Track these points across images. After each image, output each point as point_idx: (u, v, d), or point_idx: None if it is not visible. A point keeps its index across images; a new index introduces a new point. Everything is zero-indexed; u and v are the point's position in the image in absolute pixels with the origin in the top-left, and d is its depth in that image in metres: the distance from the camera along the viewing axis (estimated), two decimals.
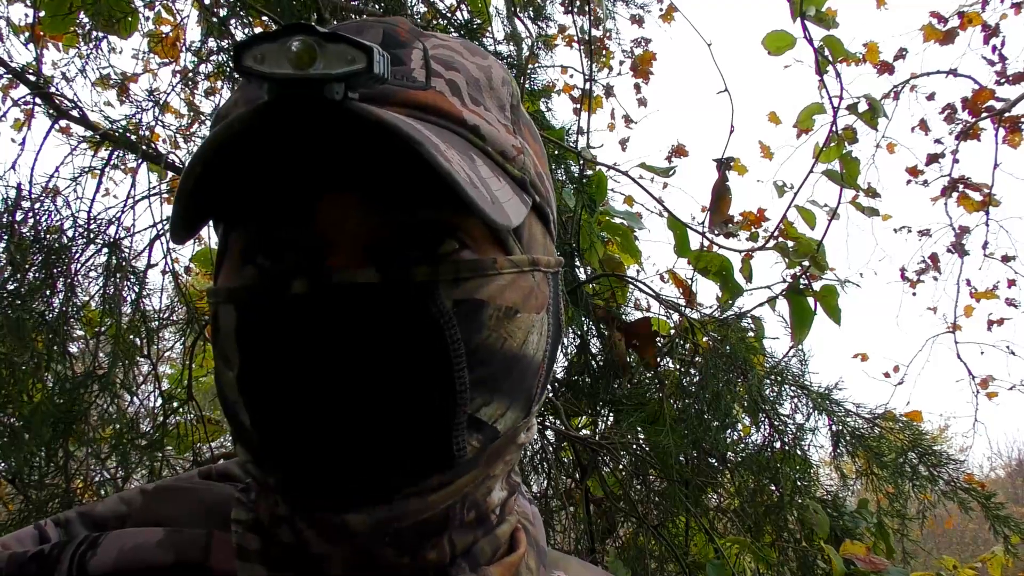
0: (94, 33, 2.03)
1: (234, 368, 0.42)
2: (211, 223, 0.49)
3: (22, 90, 2.07)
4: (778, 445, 1.95)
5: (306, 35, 0.35)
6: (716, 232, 2.08)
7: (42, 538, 0.49)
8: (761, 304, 2.07)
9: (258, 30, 2.01)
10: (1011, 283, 5.05)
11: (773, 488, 1.97)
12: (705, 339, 1.96)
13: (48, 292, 1.68)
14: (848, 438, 1.99)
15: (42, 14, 1.93)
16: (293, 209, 0.41)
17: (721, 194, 2.09)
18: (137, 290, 1.77)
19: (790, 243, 2.19)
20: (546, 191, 0.50)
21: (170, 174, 2.00)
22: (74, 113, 1.92)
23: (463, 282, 0.41)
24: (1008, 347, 4.85)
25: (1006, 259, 4.95)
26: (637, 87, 3.88)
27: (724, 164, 2.10)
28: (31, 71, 2.00)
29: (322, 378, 0.39)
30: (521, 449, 0.49)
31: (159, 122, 2.02)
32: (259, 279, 0.42)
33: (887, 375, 5.17)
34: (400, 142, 0.35)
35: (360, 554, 0.41)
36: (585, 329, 2.05)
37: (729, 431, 1.98)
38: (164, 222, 1.86)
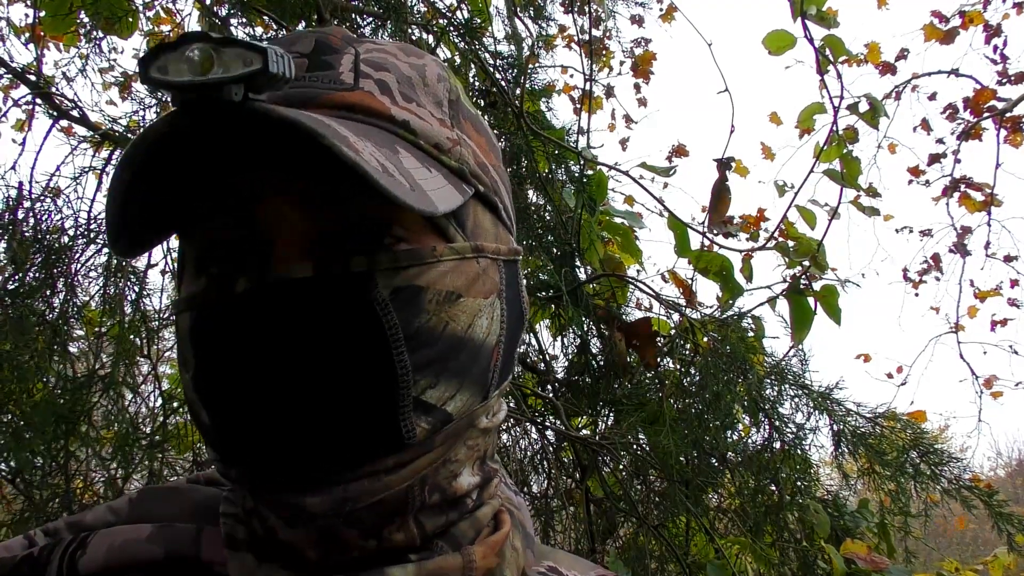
0: (94, 33, 2.03)
1: (190, 369, 0.44)
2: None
3: (23, 90, 2.07)
4: (778, 445, 1.95)
5: (203, 42, 0.37)
6: (715, 232, 2.08)
7: (31, 547, 0.49)
8: (761, 304, 2.07)
9: (259, 30, 2.01)
10: (1014, 283, 5.05)
11: (773, 488, 1.97)
12: (705, 339, 1.95)
13: (48, 292, 1.68)
14: (849, 437, 1.98)
15: (42, 14, 1.93)
16: (235, 213, 0.43)
17: (720, 194, 2.09)
18: (137, 290, 1.77)
19: (791, 243, 2.20)
20: (492, 181, 0.50)
21: None
22: (74, 113, 1.92)
23: (402, 271, 0.42)
24: (1011, 347, 4.85)
25: (1008, 259, 4.94)
26: (637, 87, 3.89)
27: (724, 164, 2.10)
28: (31, 71, 2.00)
29: (269, 370, 0.41)
30: (488, 435, 0.49)
31: None
32: (209, 283, 0.44)
33: (890, 376, 5.18)
34: (304, 136, 0.36)
35: (325, 537, 0.42)
36: (585, 329, 2.04)
37: (729, 431, 1.98)
38: None
